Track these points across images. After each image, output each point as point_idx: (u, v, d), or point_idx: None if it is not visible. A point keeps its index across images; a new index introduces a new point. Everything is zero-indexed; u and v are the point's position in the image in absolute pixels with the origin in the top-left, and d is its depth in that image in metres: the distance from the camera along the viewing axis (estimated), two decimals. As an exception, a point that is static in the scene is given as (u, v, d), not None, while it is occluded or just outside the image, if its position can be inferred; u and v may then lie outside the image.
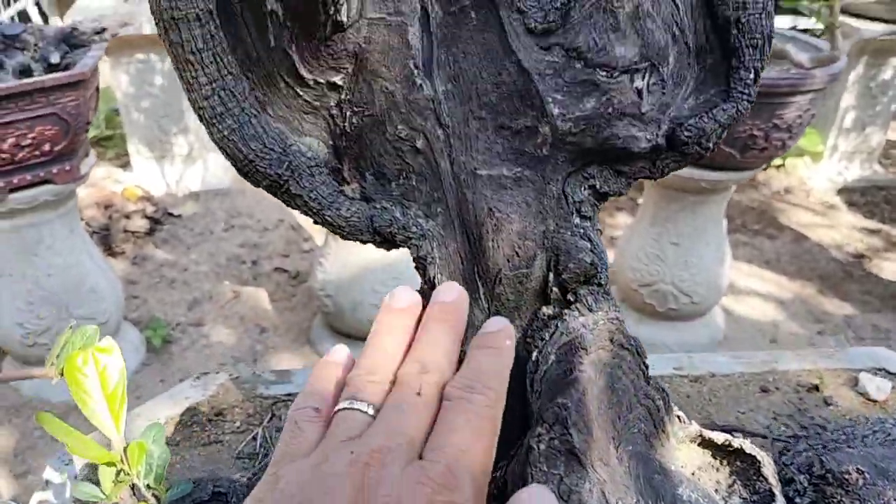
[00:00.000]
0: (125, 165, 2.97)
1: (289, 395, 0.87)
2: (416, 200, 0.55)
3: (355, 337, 2.07)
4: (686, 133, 0.48)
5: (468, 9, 0.49)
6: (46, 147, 1.77)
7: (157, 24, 0.51)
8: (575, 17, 0.46)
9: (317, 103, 0.55)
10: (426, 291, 0.55)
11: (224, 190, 2.92)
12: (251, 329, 2.26)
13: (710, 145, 0.49)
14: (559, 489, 0.43)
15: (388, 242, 0.57)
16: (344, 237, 0.58)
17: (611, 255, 2.38)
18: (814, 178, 3.11)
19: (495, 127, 0.50)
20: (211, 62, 0.51)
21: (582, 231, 0.50)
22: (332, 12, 0.49)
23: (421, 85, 0.51)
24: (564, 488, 0.43)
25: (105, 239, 2.55)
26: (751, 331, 2.30)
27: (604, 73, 0.47)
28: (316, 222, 0.58)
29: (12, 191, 1.79)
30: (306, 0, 0.49)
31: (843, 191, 3.10)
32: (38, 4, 3.35)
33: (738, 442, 0.53)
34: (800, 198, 3.03)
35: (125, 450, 0.53)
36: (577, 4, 0.46)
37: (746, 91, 0.47)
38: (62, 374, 0.54)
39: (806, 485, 0.55)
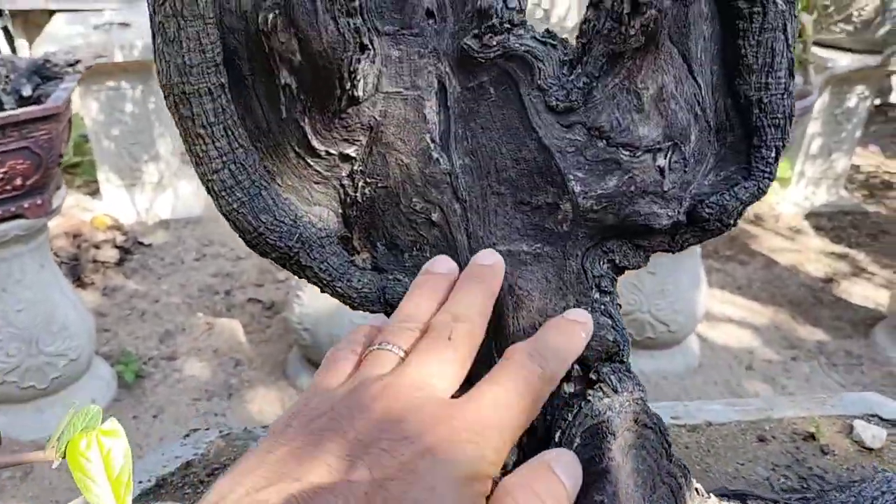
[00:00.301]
0: (94, 193, 2.91)
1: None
2: (431, 272, 0.54)
3: (334, 370, 2.05)
4: (708, 210, 0.48)
5: (487, 84, 0.49)
6: (18, 181, 1.73)
7: (166, 97, 0.49)
8: (597, 97, 0.46)
9: (328, 173, 0.54)
10: None
11: (195, 218, 2.87)
12: (225, 362, 2.23)
13: (732, 222, 0.49)
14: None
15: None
16: (353, 308, 0.57)
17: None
18: (782, 204, 3.17)
19: (514, 202, 0.50)
20: (222, 135, 0.50)
21: (602, 307, 0.50)
22: (347, 87, 0.48)
23: (438, 159, 0.50)
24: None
25: (74, 269, 2.49)
26: (726, 357, 2.32)
27: (627, 153, 0.46)
28: (324, 292, 0.57)
29: (-19, 227, 1.75)
30: (322, 74, 0.48)
31: (811, 216, 3.15)
32: (4, 29, 3.28)
33: (742, 491, 0.53)
34: (769, 223, 3.08)
35: (130, 536, 0.51)
36: (600, 84, 0.46)
37: (768, 169, 0.47)
38: (64, 457, 0.52)
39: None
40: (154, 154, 2.76)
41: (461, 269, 0.51)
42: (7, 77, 1.82)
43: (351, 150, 0.52)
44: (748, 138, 0.48)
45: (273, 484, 0.36)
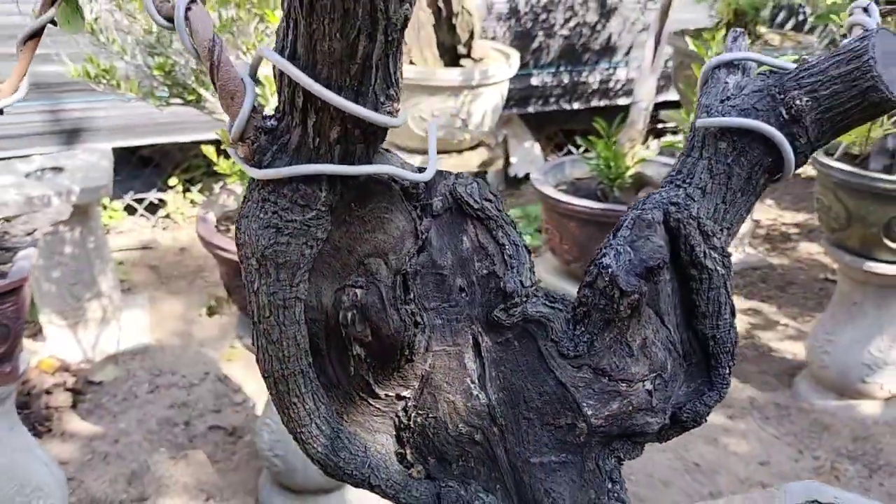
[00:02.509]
0: (36, 335, 2.93)
1: None
2: (476, 478, 0.69)
3: (310, 492, 2.13)
4: (685, 415, 0.65)
5: (512, 339, 0.65)
6: (-14, 354, 1.78)
7: (266, 379, 0.64)
8: (598, 347, 0.63)
9: (386, 409, 0.69)
10: None
11: (143, 348, 2.92)
12: (196, 496, 2.28)
13: (704, 420, 0.66)
14: None
15: (453, 515, 0.70)
16: None
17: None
18: (697, 268, 3.45)
19: (542, 424, 0.66)
20: (309, 399, 0.65)
21: (616, 494, 0.66)
22: (406, 353, 0.64)
23: (477, 395, 0.66)
24: None
25: (28, 418, 2.50)
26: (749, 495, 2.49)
27: (624, 385, 0.63)
28: (385, 499, 0.71)
29: (-49, 401, 1.79)
30: (387, 348, 0.63)
31: (725, 276, 3.44)
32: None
33: None
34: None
35: None
36: (599, 338, 0.63)
37: (725, 382, 0.65)
38: None
39: None
40: (96, 291, 2.81)
41: (503, 473, 0.66)
42: (-36, 251, 1.88)
43: (406, 392, 0.67)
44: (707, 360, 0.66)
45: None
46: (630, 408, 0.64)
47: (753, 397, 2.67)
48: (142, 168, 3.73)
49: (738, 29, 0.67)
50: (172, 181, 3.74)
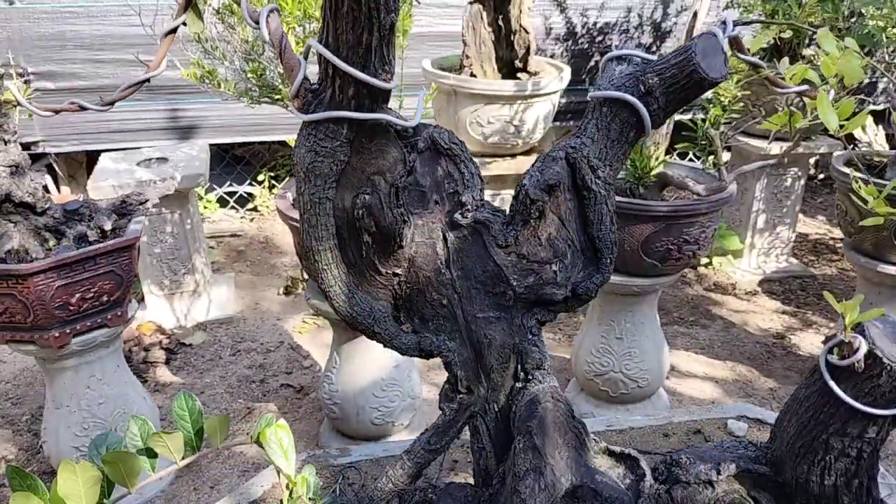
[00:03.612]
0: (139, 303, 3.41)
1: (350, 464, 1.32)
2: (444, 331, 1.04)
3: (361, 438, 2.50)
4: (581, 290, 0.99)
5: (467, 235, 1.00)
6: (105, 298, 2.22)
7: (305, 251, 1.00)
8: (520, 240, 0.98)
9: (386, 282, 1.05)
10: (450, 387, 1.04)
11: (228, 318, 3.36)
12: (267, 439, 2.68)
13: (594, 293, 0.99)
14: (529, 467, 0.91)
15: (428, 355, 1.05)
16: (402, 353, 1.07)
17: (569, 352, 2.86)
18: (738, 273, 3.68)
19: (485, 292, 1.00)
20: (335, 268, 1.01)
21: (534, 342, 1.00)
22: (398, 241, 1.00)
23: (445, 272, 1.01)
24: (533, 466, 0.91)
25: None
26: (692, 408, 2.77)
27: (536, 265, 0.97)
28: (385, 346, 1.07)
29: (75, 335, 2.23)
30: (385, 236, 0.99)
31: (764, 282, 3.66)
32: (49, 167, 3.85)
33: (627, 451, 1.01)
34: (727, 291, 3.58)
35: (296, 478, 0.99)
36: (521, 234, 0.97)
37: (607, 269, 0.98)
38: (257, 440, 1.00)
39: (662, 468, 1.02)
40: (190, 267, 3.27)
41: (460, 326, 1.01)
42: (90, 216, 2.34)
43: (399, 270, 1.03)
44: (596, 254, 0.99)
45: None
46: (541, 281, 0.98)
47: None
48: (234, 165, 4.22)
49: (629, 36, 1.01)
50: (260, 177, 4.21)
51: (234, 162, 4.23)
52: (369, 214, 0.97)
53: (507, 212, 1.00)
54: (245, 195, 4.26)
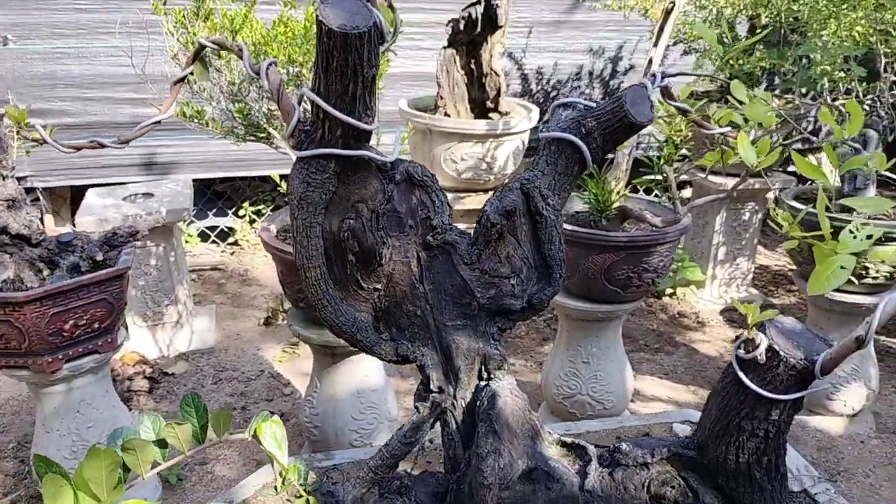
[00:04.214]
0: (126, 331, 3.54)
1: (333, 465, 1.47)
2: (418, 338, 1.21)
3: (340, 458, 2.63)
4: (535, 300, 1.16)
5: (437, 254, 1.18)
6: (96, 325, 2.36)
7: (300, 269, 1.17)
8: (483, 258, 1.15)
9: (367, 296, 1.21)
10: (423, 387, 1.20)
11: (209, 349, 3.49)
12: (248, 463, 2.80)
13: (546, 304, 1.16)
14: (490, 450, 1.07)
15: (405, 360, 1.22)
16: (381, 359, 1.23)
17: (539, 377, 3.02)
18: (700, 303, 3.88)
19: (453, 303, 1.17)
20: (323, 283, 1.18)
21: (496, 346, 1.17)
22: (378, 259, 1.17)
23: (418, 287, 1.18)
24: (493, 448, 1.07)
25: (113, 398, 3.09)
26: (643, 414, 2.93)
27: (497, 279, 1.15)
28: (367, 353, 1.23)
29: (67, 361, 2.36)
30: (367, 256, 1.16)
31: (725, 311, 3.86)
32: (35, 201, 3.98)
33: (577, 441, 1.18)
34: (690, 319, 3.78)
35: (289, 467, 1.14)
36: (484, 253, 1.15)
37: (558, 283, 1.16)
38: (254, 434, 1.16)
39: (606, 454, 1.19)
40: (173, 299, 3.41)
41: (432, 333, 1.18)
42: (82, 247, 2.48)
43: (379, 285, 1.20)
44: (547, 269, 1.16)
45: None
46: (501, 293, 1.15)
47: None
48: (216, 200, 4.38)
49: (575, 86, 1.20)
50: (241, 212, 4.37)
51: (215, 197, 4.38)
52: (353, 237, 1.14)
53: (472, 234, 1.17)
54: (226, 229, 4.42)
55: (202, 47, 1.20)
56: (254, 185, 4.40)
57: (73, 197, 4.08)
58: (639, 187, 4.36)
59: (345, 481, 1.23)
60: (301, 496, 1.15)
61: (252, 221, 4.42)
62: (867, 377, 2.87)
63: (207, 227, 4.40)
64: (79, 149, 1.22)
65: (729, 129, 1.30)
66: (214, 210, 4.38)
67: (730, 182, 3.56)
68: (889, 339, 3.67)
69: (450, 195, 3.51)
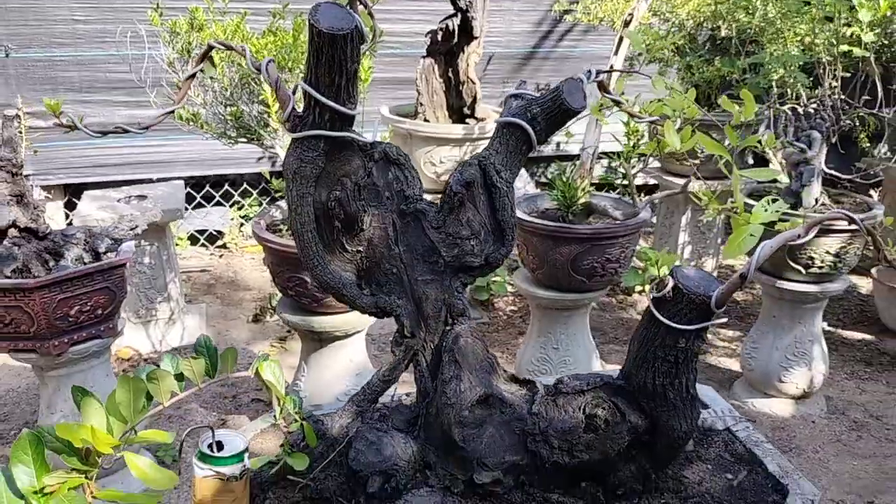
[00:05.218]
0: (115, 330, 3.76)
1: (323, 414, 1.70)
2: (394, 292, 1.45)
3: (326, 438, 2.86)
4: (491, 259, 1.42)
5: (410, 221, 1.43)
6: (99, 311, 2.58)
7: (294, 233, 1.41)
8: (447, 222, 1.40)
9: (351, 258, 1.46)
10: (399, 334, 1.45)
11: (200, 344, 3.72)
12: (239, 446, 3.02)
13: (501, 262, 1.41)
14: (452, 375, 1.31)
15: (383, 311, 1.46)
16: (362, 312, 1.48)
17: (513, 368, 3.26)
18: (668, 299, 4.15)
19: (423, 261, 1.43)
20: (314, 245, 1.42)
21: (459, 298, 1.42)
22: (360, 225, 1.41)
23: (394, 248, 1.43)
24: (454, 374, 1.31)
25: (110, 388, 3.30)
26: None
27: (459, 240, 1.40)
28: (350, 307, 1.47)
29: (73, 345, 2.58)
30: (350, 221, 1.41)
31: (692, 306, 4.13)
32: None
33: (526, 378, 1.43)
34: (658, 314, 4.04)
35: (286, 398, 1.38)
36: (448, 218, 1.40)
37: (510, 244, 1.41)
38: (256, 372, 1.40)
39: (551, 387, 1.43)
40: (166, 296, 3.64)
41: (405, 288, 1.42)
42: (86, 241, 2.71)
43: (361, 248, 1.45)
44: (502, 233, 1.41)
45: None
46: (463, 252, 1.40)
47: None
48: (205, 204, 4.62)
49: (524, 80, 1.46)
50: (230, 215, 4.61)
51: (205, 201, 4.62)
52: (339, 206, 1.39)
53: (438, 204, 1.43)
54: (214, 233, 4.65)
55: (211, 48, 1.45)
56: (243, 192, 4.64)
57: (68, 202, 4.31)
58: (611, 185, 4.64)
59: (332, 417, 1.46)
60: (296, 421, 1.39)
61: (240, 225, 4.66)
62: (816, 361, 3.14)
63: (197, 231, 4.63)
64: (105, 133, 1.45)
65: (657, 118, 1.56)
66: (204, 215, 4.62)
67: (696, 184, 3.84)
68: (844, 330, 3.95)
69: (429, 197, 3.77)
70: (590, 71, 1.43)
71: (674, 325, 1.25)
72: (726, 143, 2.24)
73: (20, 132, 2.66)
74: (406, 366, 1.45)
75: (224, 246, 4.64)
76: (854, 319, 4.09)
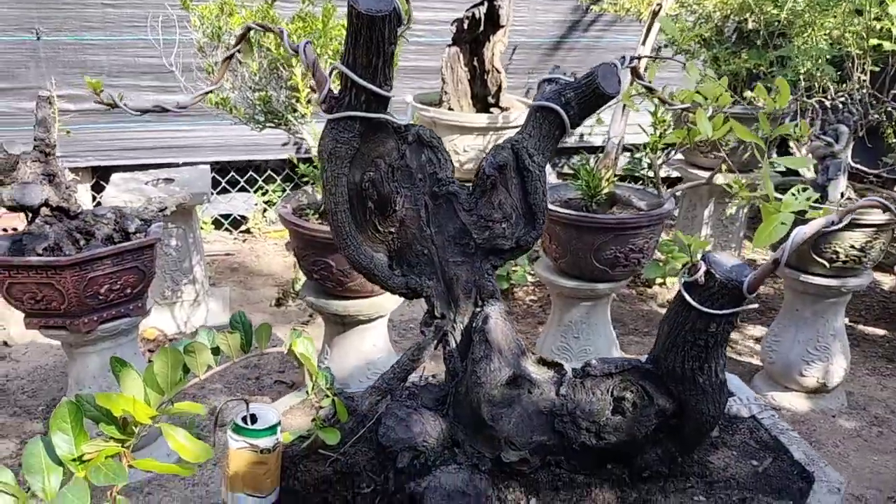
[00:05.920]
0: (141, 312, 3.80)
1: (350, 394, 1.72)
2: (425, 273, 1.47)
3: (348, 420, 2.89)
4: (522, 241, 1.43)
5: (442, 202, 1.44)
6: (129, 290, 2.62)
7: (329, 213, 1.43)
8: (479, 205, 1.42)
9: (383, 238, 1.48)
10: (429, 314, 1.46)
11: (223, 326, 3.75)
12: (262, 427, 3.06)
13: (531, 245, 1.43)
14: (482, 355, 1.33)
15: (413, 291, 1.48)
16: (392, 293, 1.49)
17: (533, 353, 3.27)
18: (689, 291, 4.14)
19: (455, 243, 1.44)
20: (347, 225, 1.44)
21: (489, 280, 1.43)
22: (393, 206, 1.43)
23: (426, 230, 1.45)
24: (485, 354, 1.33)
25: (135, 368, 3.35)
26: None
27: (491, 223, 1.41)
28: (382, 287, 1.49)
29: (102, 322, 2.62)
30: (384, 202, 1.42)
31: (712, 299, 4.12)
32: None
33: (555, 360, 1.44)
34: (679, 306, 4.04)
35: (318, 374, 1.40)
36: (480, 201, 1.41)
37: (541, 227, 1.42)
38: (290, 351, 1.42)
39: (579, 369, 1.45)
40: (192, 278, 3.68)
41: (436, 269, 1.44)
42: (116, 220, 2.74)
43: (393, 229, 1.46)
44: (532, 216, 1.42)
45: None
46: (494, 235, 1.41)
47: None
48: (230, 190, 4.65)
49: (557, 65, 1.47)
50: (254, 201, 4.65)
51: (230, 187, 4.66)
52: (373, 187, 1.41)
53: (470, 186, 1.44)
54: (239, 217, 4.69)
55: (249, 29, 1.47)
56: (267, 178, 4.67)
57: (95, 184, 4.36)
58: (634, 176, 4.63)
59: (362, 394, 1.48)
60: (328, 397, 1.41)
61: (264, 211, 4.69)
62: (838, 356, 3.13)
63: (221, 216, 4.67)
64: (144, 111, 1.48)
65: (689, 105, 1.56)
66: (229, 200, 4.65)
67: (719, 177, 3.82)
68: (866, 326, 3.93)
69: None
70: (623, 56, 1.43)
71: (705, 309, 1.25)
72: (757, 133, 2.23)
73: (53, 113, 2.69)
74: (435, 347, 1.47)
75: (248, 231, 4.68)
76: (876, 316, 4.07)
